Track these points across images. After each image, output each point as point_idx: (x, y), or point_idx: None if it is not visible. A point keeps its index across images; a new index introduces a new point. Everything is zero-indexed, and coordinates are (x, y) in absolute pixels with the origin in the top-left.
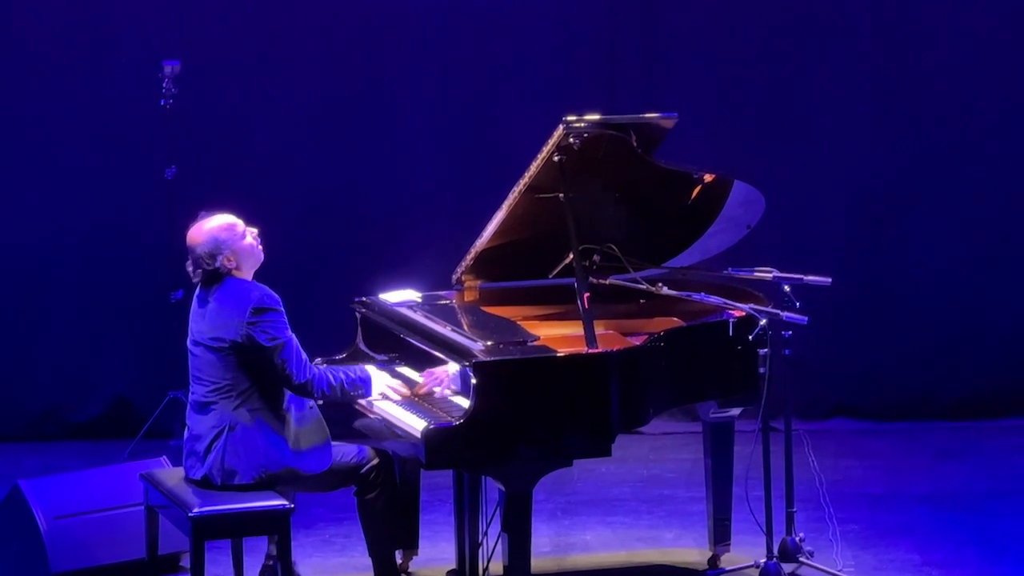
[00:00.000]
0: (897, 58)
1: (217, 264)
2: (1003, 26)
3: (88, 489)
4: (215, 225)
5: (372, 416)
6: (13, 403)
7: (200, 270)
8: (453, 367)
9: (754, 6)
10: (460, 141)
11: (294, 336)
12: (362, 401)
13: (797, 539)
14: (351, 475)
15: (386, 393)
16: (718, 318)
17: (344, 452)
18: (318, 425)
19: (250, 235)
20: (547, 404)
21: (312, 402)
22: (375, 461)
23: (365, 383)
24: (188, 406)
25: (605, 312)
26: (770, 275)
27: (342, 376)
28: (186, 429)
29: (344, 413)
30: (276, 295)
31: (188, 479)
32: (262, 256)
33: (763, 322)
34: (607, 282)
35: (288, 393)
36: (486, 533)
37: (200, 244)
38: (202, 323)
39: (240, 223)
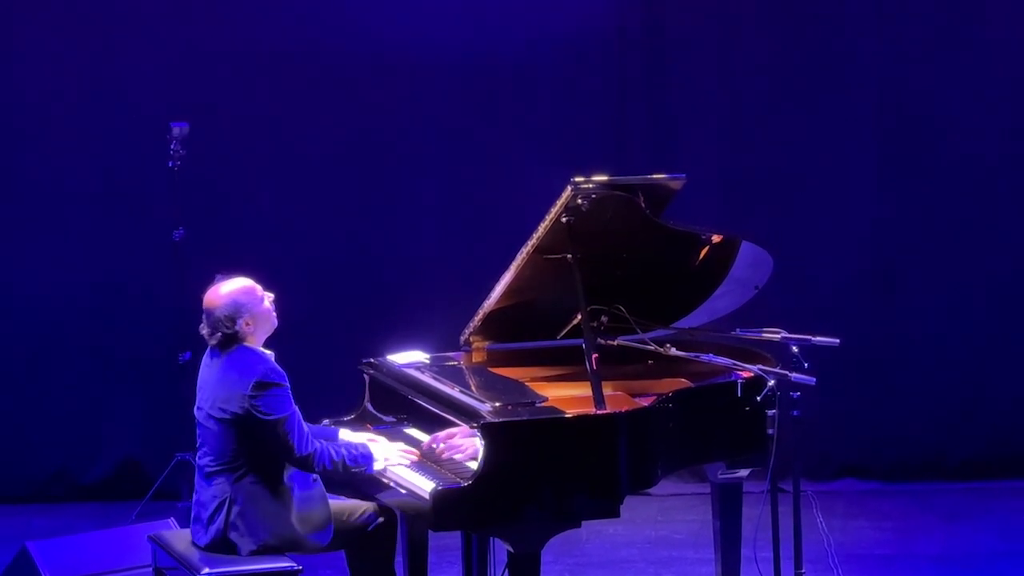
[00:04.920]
0: (903, 119)
1: (237, 327)
2: (1009, 84)
3: (96, 551)
4: (235, 288)
5: (384, 480)
6: (21, 464)
7: (219, 333)
8: (478, 442)
9: (761, 67)
10: (468, 202)
11: (297, 411)
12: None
13: None
14: (357, 535)
15: (391, 459)
16: (726, 379)
17: (350, 511)
18: (322, 503)
19: (267, 299)
20: (555, 465)
21: (316, 477)
22: (380, 520)
23: (367, 459)
24: (196, 469)
25: (613, 373)
26: (778, 336)
27: (344, 452)
28: (194, 492)
29: (358, 481)
30: (281, 370)
31: (194, 544)
32: (276, 322)
33: (771, 383)
34: (615, 343)
35: (290, 468)
36: None
37: (219, 307)
38: (207, 392)
39: (259, 287)
